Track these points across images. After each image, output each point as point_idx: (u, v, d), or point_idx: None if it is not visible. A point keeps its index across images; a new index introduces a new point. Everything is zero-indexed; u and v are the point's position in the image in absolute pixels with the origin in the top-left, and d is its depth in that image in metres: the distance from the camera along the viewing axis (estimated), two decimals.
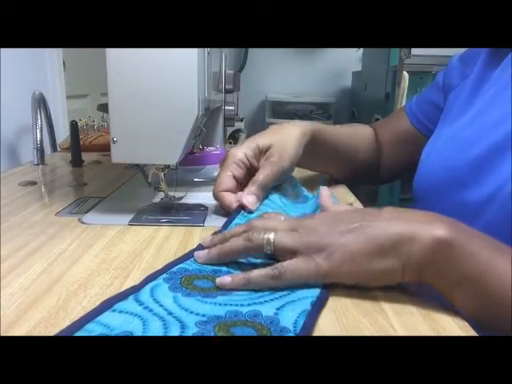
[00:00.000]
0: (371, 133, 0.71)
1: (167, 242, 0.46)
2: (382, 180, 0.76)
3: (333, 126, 0.67)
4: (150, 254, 0.43)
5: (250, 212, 0.49)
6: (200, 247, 0.42)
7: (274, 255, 0.37)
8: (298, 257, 0.35)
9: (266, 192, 0.52)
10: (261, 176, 0.51)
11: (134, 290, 0.34)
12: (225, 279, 0.36)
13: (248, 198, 0.49)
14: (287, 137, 0.56)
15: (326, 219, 0.37)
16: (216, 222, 0.51)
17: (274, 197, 0.54)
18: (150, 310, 0.31)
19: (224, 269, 0.39)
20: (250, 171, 0.54)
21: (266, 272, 0.35)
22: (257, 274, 0.35)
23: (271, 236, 0.36)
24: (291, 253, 0.36)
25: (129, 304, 0.32)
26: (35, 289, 0.36)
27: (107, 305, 0.32)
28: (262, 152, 0.54)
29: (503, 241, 0.35)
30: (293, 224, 0.38)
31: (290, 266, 0.35)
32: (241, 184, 0.54)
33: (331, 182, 0.72)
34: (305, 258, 0.35)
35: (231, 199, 0.51)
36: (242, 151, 0.54)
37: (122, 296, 0.33)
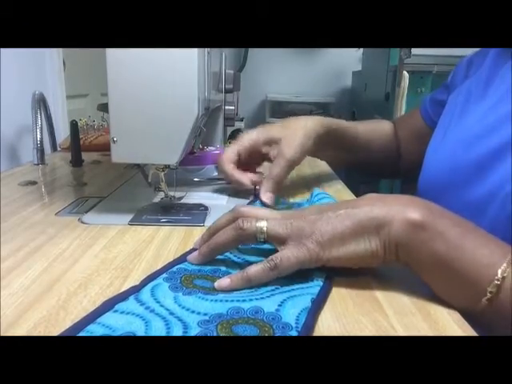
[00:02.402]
0: (391, 128, 0.73)
1: (167, 242, 0.46)
2: (401, 174, 0.79)
3: (351, 122, 0.70)
4: (150, 254, 0.43)
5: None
6: (193, 251, 0.42)
7: (267, 243, 0.38)
8: (290, 244, 0.36)
9: (281, 185, 0.57)
10: (274, 172, 0.57)
11: (135, 290, 0.34)
12: (223, 282, 0.36)
13: (266, 195, 0.55)
14: (297, 130, 0.60)
15: (314, 209, 0.39)
16: None
17: None
18: (152, 311, 0.31)
19: (223, 268, 0.39)
20: (253, 154, 0.61)
21: (263, 265, 0.36)
22: (254, 269, 0.36)
23: (263, 224, 0.37)
24: (283, 240, 0.37)
25: (130, 304, 0.32)
26: (35, 289, 0.36)
27: (108, 305, 0.32)
28: (272, 142, 0.59)
29: (506, 239, 0.35)
30: (282, 214, 0.40)
31: (284, 254, 0.36)
32: (240, 161, 0.60)
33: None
34: (296, 244, 0.36)
35: (237, 176, 0.59)
36: (255, 134, 0.60)
37: (123, 296, 0.33)
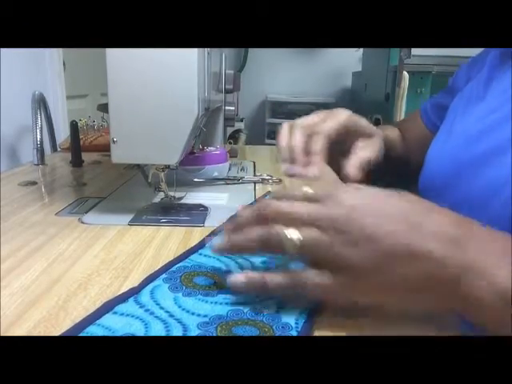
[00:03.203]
0: (400, 134, 0.71)
1: (167, 242, 0.46)
2: (412, 177, 0.76)
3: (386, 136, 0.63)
4: (150, 254, 0.43)
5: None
6: (193, 249, 0.42)
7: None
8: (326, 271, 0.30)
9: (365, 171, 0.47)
10: (367, 153, 0.48)
11: (134, 291, 0.34)
12: (238, 280, 0.32)
13: (352, 169, 0.46)
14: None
15: (372, 243, 0.29)
16: (216, 222, 0.51)
17: None
18: (152, 313, 0.31)
19: (223, 267, 0.39)
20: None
21: (286, 283, 0.31)
22: (276, 283, 0.31)
23: (295, 237, 0.30)
24: (316, 262, 0.30)
25: (129, 306, 0.32)
26: (35, 289, 0.36)
27: (107, 307, 0.32)
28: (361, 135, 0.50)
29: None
30: (332, 219, 0.30)
31: (313, 279, 0.30)
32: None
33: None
34: (335, 275, 0.30)
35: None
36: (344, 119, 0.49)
37: (122, 298, 0.33)
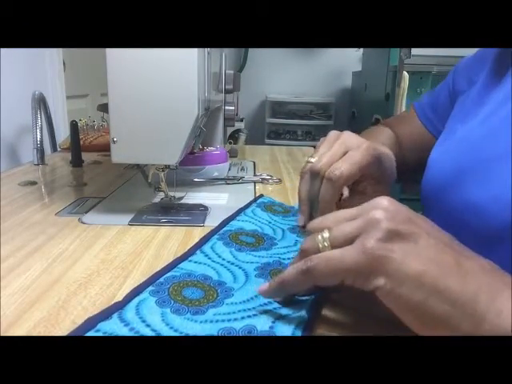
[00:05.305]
0: (393, 135, 0.70)
1: (167, 242, 0.46)
2: (404, 178, 0.73)
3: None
4: (150, 254, 0.43)
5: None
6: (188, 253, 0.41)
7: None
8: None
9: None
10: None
11: (118, 306, 0.32)
12: (262, 287, 0.33)
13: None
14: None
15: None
16: (216, 222, 0.51)
17: (261, 213, 0.54)
18: (137, 332, 0.29)
19: (215, 277, 0.37)
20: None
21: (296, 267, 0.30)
22: (287, 272, 0.31)
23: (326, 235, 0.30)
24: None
25: (113, 324, 0.30)
26: (35, 289, 0.36)
27: (90, 325, 0.30)
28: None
29: (505, 245, 0.35)
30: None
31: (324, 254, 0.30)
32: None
33: None
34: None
35: None
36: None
37: (106, 315, 0.31)
